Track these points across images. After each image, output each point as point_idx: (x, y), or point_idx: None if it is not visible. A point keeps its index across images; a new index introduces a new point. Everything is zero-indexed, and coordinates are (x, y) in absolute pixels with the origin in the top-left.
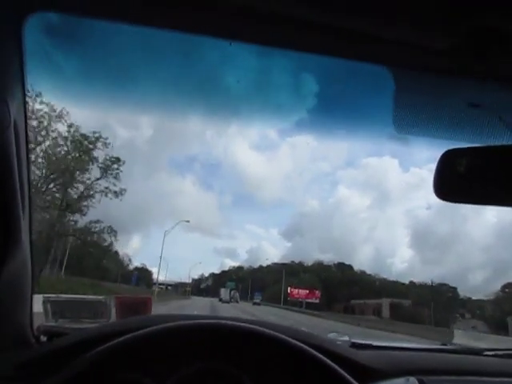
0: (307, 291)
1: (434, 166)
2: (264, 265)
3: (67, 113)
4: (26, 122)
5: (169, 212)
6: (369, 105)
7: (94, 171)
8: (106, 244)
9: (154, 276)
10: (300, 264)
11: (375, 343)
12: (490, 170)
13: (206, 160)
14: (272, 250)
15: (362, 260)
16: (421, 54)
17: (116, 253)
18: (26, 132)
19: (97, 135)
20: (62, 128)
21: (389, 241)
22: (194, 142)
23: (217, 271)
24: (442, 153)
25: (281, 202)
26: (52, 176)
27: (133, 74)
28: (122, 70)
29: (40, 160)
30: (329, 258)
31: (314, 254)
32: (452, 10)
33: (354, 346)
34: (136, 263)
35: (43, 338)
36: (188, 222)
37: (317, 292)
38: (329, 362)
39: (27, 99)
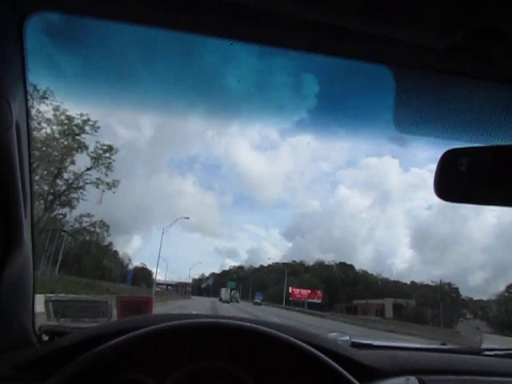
0: (309, 291)
1: (434, 166)
2: (265, 264)
3: (51, 92)
4: (27, 121)
5: (169, 212)
6: (369, 104)
7: (85, 160)
8: (105, 243)
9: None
10: (301, 264)
11: (375, 343)
12: (491, 170)
13: (206, 160)
14: (273, 250)
15: (363, 260)
16: (421, 53)
17: (115, 252)
18: (28, 132)
19: (84, 118)
20: (44, 109)
21: (389, 241)
22: (194, 141)
23: (217, 271)
24: (443, 152)
25: (281, 202)
26: (35, 164)
27: (133, 74)
28: (122, 70)
29: None
30: (329, 258)
31: (315, 254)
32: (453, 9)
33: (355, 345)
34: (137, 263)
35: (45, 338)
36: (187, 218)
37: (319, 292)
38: (330, 361)
39: (29, 99)
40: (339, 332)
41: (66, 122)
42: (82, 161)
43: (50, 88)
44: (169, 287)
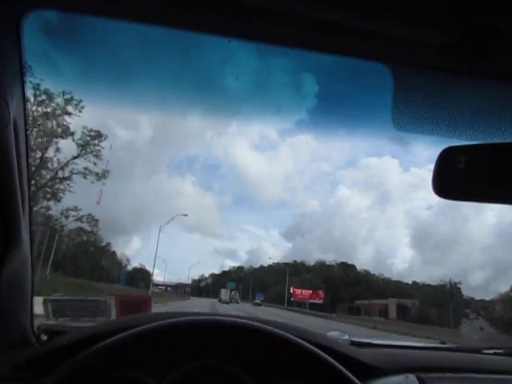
0: (311, 291)
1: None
2: (265, 264)
3: (30, 67)
4: (25, 119)
5: (169, 213)
6: (368, 102)
7: (71, 148)
8: (102, 244)
9: (155, 277)
10: (302, 264)
11: (374, 341)
12: (489, 168)
13: (205, 160)
14: (272, 251)
15: (363, 260)
16: (420, 51)
17: (113, 253)
18: (26, 130)
19: (67, 96)
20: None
21: (389, 241)
22: (193, 141)
23: (217, 272)
24: (441, 150)
25: (281, 202)
26: None
27: (131, 72)
28: (120, 68)
29: None
30: (330, 258)
31: (315, 254)
32: (451, 7)
33: (354, 344)
34: (136, 264)
35: (44, 337)
36: (186, 215)
37: (320, 292)
38: (329, 359)
39: (26, 97)
40: (339, 331)
41: (46, 101)
42: (68, 148)
43: (47, 86)
44: (168, 288)
